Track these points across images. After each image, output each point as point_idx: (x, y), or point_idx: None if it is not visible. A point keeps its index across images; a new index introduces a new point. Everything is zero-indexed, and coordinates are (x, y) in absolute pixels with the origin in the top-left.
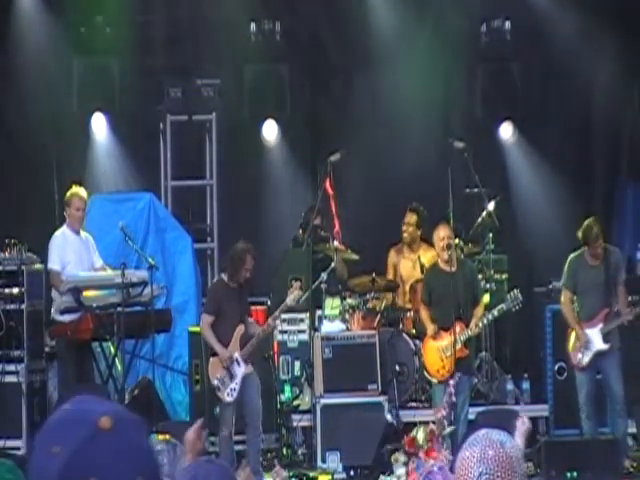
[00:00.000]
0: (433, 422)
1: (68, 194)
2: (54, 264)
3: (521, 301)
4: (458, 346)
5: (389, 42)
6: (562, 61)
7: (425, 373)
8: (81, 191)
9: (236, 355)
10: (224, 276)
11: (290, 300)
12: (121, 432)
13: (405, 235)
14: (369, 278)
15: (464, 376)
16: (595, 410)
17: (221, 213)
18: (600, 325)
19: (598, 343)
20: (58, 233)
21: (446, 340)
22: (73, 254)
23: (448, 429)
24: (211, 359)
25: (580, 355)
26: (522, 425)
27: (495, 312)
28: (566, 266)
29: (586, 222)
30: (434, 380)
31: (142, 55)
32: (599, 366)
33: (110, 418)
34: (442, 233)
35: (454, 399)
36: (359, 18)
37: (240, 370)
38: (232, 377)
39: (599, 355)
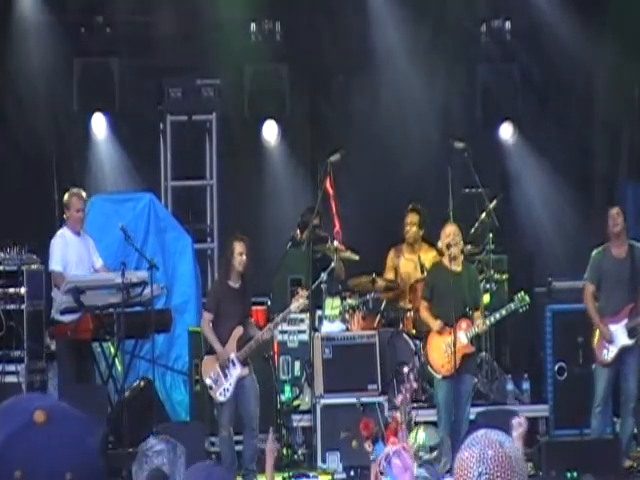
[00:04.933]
0: (396, 408)
1: (66, 197)
2: (56, 265)
3: (528, 303)
4: (465, 342)
5: (389, 42)
6: (562, 61)
7: (429, 368)
8: (79, 192)
9: (232, 356)
10: (222, 275)
11: (294, 307)
12: (55, 427)
13: (408, 235)
14: (369, 278)
15: (467, 374)
16: (608, 407)
17: (221, 213)
18: (625, 320)
19: (623, 339)
20: (58, 234)
21: (451, 336)
22: (73, 255)
23: (412, 414)
24: (205, 357)
25: (605, 351)
26: (519, 426)
27: (503, 311)
28: (590, 259)
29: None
30: (438, 376)
31: (142, 55)
32: (621, 362)
33: (45, 412)
34: (449, 230)
35: (415, 385)
36: (359, 18)
37: (235, 371)
38: (226, 377)
39: (623, 351)
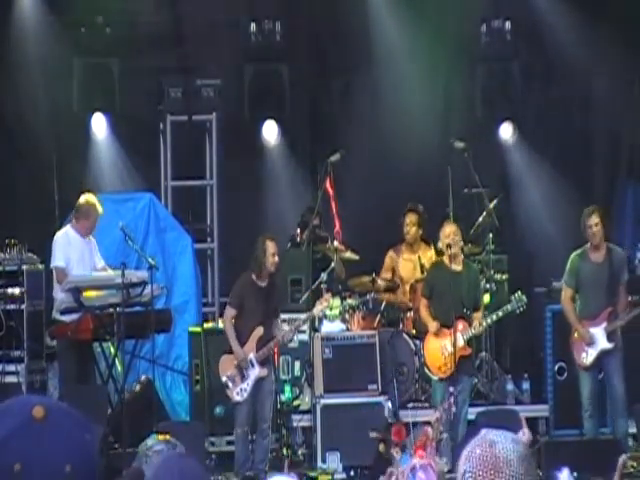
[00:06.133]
0: (429, 423)
1: (84, 203)
2: (59, 261)
3: (525, 303)
4: (461, 344)
5: (389, 42)
6: (562, 61)
7: (426, 370)
8: (98, 202)
9: (251, 356)
10: (252, 273)
11: (317, 310)
12: (54, 422)
13: (409, 236)
14: (369, 278)
15: (464, 376)
16: (598, 409)
17: (221, 213)
18: (604, 324)
19: (602, 342)
20: (61, 233)
21: (448, 337)
22: (75, 253)
23: (443, 435)
24: (224, 355)
25: (584, 354)
26: (522, 436)
27: (500, 312)
28: (568, 263)
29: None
30: (435, 377)
31: (142, 55)
32: (602, 365)
33: (44, 408)
34: (448, 230)
35: (453, 409)
36: (359, 18)
37: (253, 372)
38: (243, 377)
39: (603, 354)
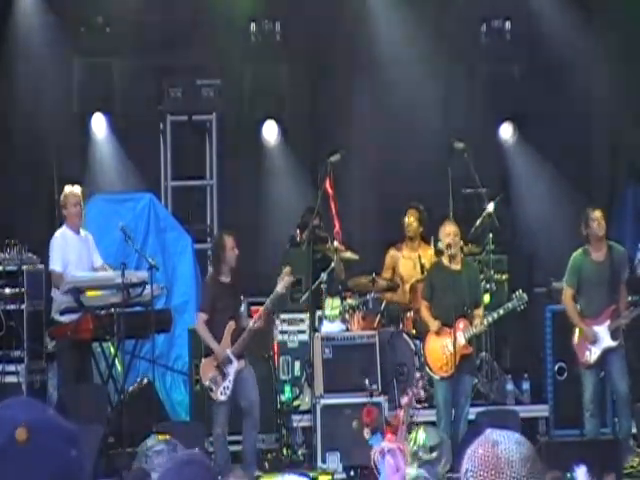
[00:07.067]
0: (401, 408)
1: (62, 196)
2: (55, 265)
3: (527, 301)
4: (463, 343)
5: (389, 42)
6: (562, 61)
7: (427, 369)
8: (74, 188)
9: (228, 352)
10: (216, 273)
11: (280, 287)
12: (38, 444)
13: (409, 230)
14: (369, 278)
15: (466, 375)
16: (599, 408)
17: (221, 213)
18: (607, 322)
19: (607, 340)
20: (57, 234)
21: (449, 337)
22: (73, 254)
23: (414, 418)
24: (203, 360)
25: (588, 352)
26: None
27: (501, 311)
28: (570, 262)
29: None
30: (436, 377)
31: (142, 55)
32: (605, 363)
33: (27, 429)
34: (448, 229)
35: (422, 394)
36: (359, 18)
37: (232, 367)
38: (225, 376)
39: (606, 352)
